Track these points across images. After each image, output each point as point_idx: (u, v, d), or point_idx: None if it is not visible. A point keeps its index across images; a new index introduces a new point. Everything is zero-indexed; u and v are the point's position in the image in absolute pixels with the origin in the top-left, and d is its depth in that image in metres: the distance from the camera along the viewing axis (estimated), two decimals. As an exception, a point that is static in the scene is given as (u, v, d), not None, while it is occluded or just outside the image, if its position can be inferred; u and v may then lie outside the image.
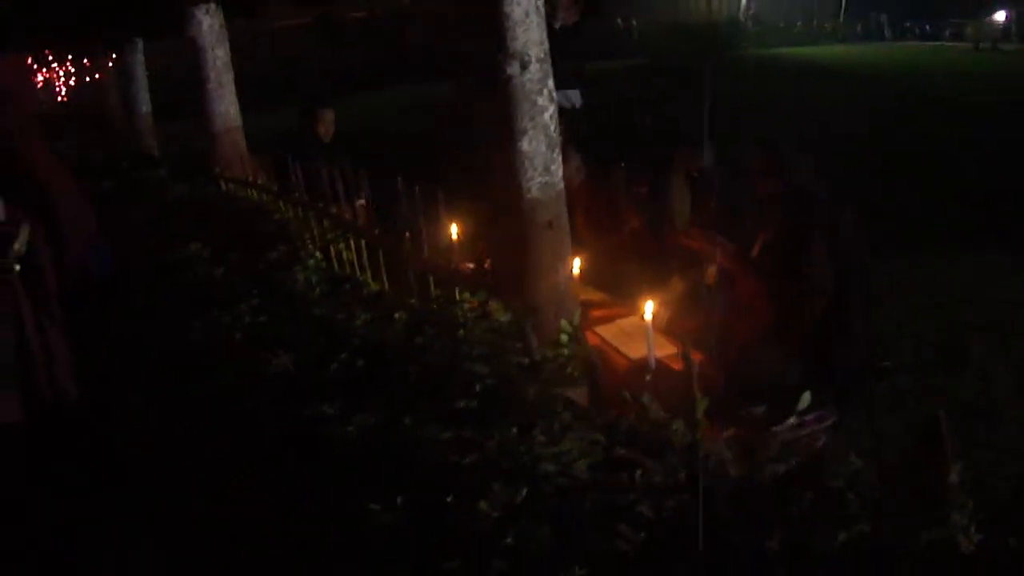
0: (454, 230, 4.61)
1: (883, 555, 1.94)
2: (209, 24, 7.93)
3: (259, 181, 6.76)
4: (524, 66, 3.45)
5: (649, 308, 3.83)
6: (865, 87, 21.55)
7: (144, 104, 11.16)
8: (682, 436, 2.52)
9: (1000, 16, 41.54)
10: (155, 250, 5.46)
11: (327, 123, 8.11)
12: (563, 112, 5.38)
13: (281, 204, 6.23)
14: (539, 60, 3.50)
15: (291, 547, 2.39)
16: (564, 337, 3.23)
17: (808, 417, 4.30)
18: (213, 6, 7.86)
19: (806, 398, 3.27)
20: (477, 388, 2.87)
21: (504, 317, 3.40)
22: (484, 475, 2.26)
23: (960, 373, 5.75)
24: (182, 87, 8.32)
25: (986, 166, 11.56)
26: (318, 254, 5.07)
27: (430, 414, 2.68)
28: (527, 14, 3.43)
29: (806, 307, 4.86)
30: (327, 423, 2.77)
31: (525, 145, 3.52)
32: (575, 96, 9.07)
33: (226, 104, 8.11)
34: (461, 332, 3.33)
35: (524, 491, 2.17)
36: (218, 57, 8.02)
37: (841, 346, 4.90)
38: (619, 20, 37.12)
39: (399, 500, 2.22)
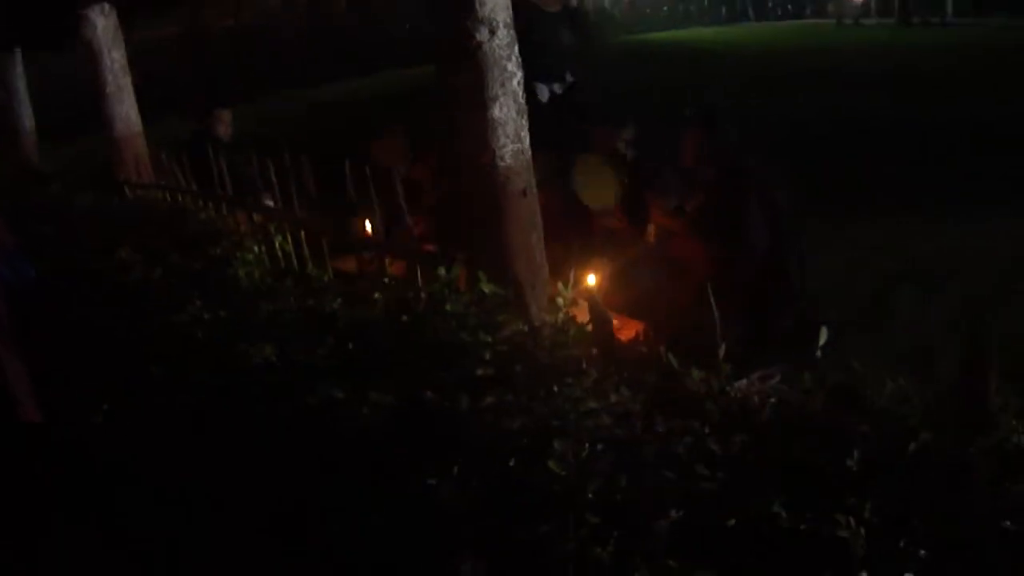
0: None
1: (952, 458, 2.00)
2: (104, 26, 7.61)
3: (174, 182, 6.51)
4: (492, 31, 3.37)
5: (592, 279, 3.74)
6: (735, 65, 21.97)
7: (27, 120, 10.61)
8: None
9: (859, -8, 43.11)
10: (79, 260, 5.21)
11: (226, 123, 7.97)
12: None
13: (202, 203, 6.01)
14: (506, 25, 3.42)
15: (360, 545, 2.24)
16: (560, 300, 3.13)
17: (754, 375, 4.37)
18: (107, 6, 7.54)
19: (824, 333, 3.29)
20: (487, 356, 2.76)
21: (488, 288, 3.29)
22: (539, 435, 2.16)
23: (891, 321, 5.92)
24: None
25: (864, 135, 11.88)
26: (256, 248, 4.89)
27: (450, 385, 2.56)
28: (494, -21, 3.34)
29: (744, 266, 4.92)
30: (338, 408, 2.62)
31: (496, 112, 3.44)
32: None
33: (126, 108, 7.80)
34: (448, 307, 3.22)
35: (587, 446, 2.08)
36: (115, 60, 7.70)
37: (778, 304, 5.01)
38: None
39: (456, 471, 2.10)
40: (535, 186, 3.66)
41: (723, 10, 43.71)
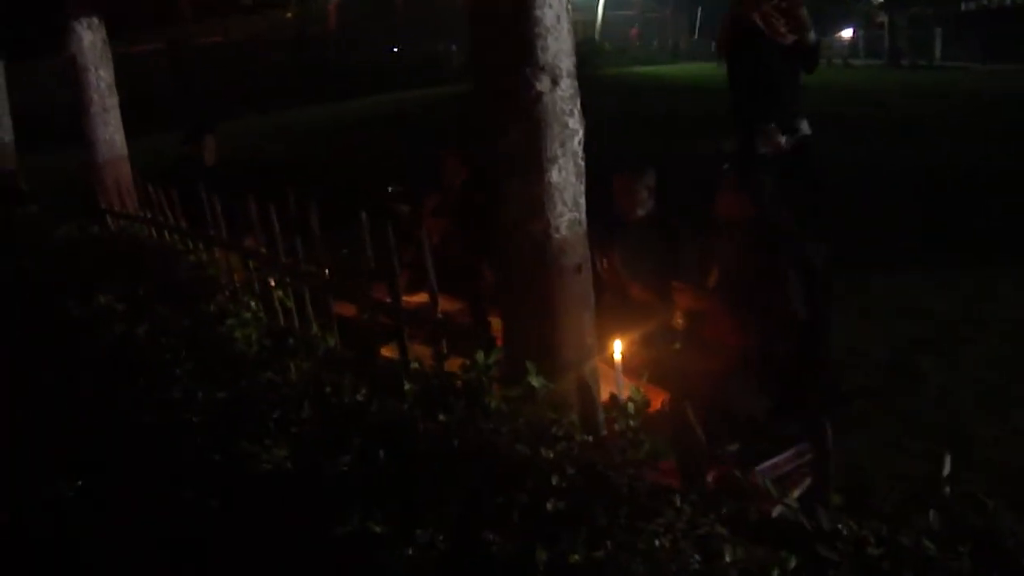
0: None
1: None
2: (91, 41, 7.06)
3: (162, 216, 5.99)
4: (555, 81, 2.88)
5: (618, 347, 3.53)
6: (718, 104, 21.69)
7: (6, 132, 10.04)
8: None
9: (847, 33, 43.06)
10: (55, 304, 4.68)
11: (211, 149, 7.56)
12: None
13: (192, 243, 5.50)
14: (569, 75, 2.93)
15: None
16: (631, 406, 2.63)
17: (787, 453, 4.07)
18: (96, 21, 7.01)
19: (947, 463, 2.84)
20: (554, 481, 2.27)
21: (538, 382, 2.79)
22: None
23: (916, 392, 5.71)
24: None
25: (863, 182, 11.70)
26: (254, 304, 4.39)
27: (518, 527, 2.07)
28: (558, 18, 2.85)
29: (781, 340, 4.63)
30: (375, 546, 2.12)
31: (555, 175, 2.94)
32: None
33: (111, 131, 7.25)
34: (492, 403, 2.73)
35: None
36: (102, 78, 7.16)
37: (812, 377, 4.79)
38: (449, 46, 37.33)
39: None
40: (590, 260, 3.17)
41: (712, 46, 43.75)
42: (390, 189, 7.22)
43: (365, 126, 21.73)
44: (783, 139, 6.72)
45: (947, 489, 2.26)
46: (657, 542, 1.94)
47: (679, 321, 5.05)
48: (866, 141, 15.44)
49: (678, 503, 2.12)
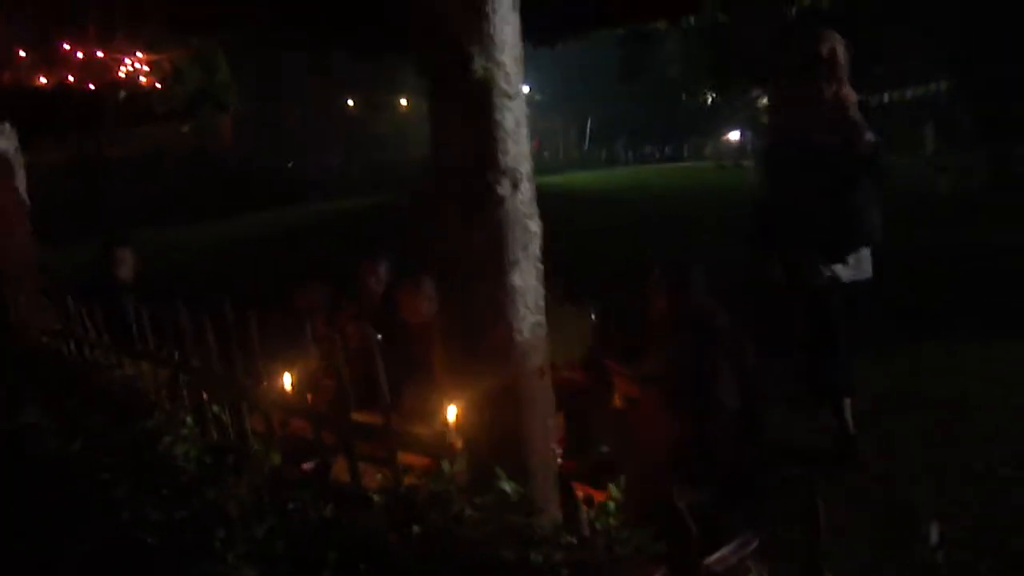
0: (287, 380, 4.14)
1: None
2: (4, 148, 6.83)
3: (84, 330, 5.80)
4: (515, 185, 2.90)
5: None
6: (625, 209, 22.19)
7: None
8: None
9: (735, 135, 44.30)
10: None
11: (127, 263, 7.35)
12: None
13: (118, 358, 5.34)
14: (529, 178, 2.95)
15: None
16: (611, 504, 2.60)
17: (733, 545, 4.07)
18: (8, 128, 6.80)
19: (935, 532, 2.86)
20: (550, 584, 2.23)
21: (508, 487, 2.75)
22: None
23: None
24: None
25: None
26: (189, 419, 4.26)
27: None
28: (517, 123, 2.89)
29: (715, 429, 4.76)
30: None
31: (517, 279, 2.95)
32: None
33: (17, 239, 6.97)
34: (466, 511, 2.67)
35: None
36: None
37: (750, 465, 4.90)
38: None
39: None
40: (550, 364, 3.16)
41: (603, 154, 44.77)
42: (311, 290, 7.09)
43: (269, 240, 21.63)
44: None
45: (940, 558, 2.27)
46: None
47: (618, 402, 5.08)
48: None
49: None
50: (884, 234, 5.52)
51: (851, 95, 5.50)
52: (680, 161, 42.24)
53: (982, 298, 10.44)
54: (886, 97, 36.09)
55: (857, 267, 5.60)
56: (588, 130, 46.21)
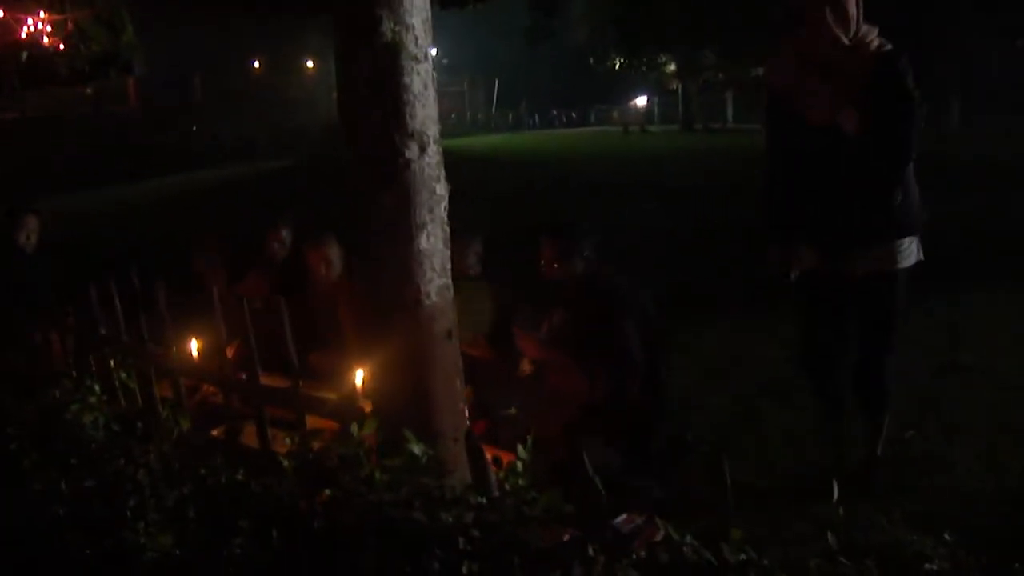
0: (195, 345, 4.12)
1: None
2: None
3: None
4: (423, 148, 2.91)
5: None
6: (535, 172, 22.25)
7: None
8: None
9: (642, 101, 44.61)
10: None
11: (31, 230, 7.13)
12: None
13: (21, 327, 5.24)
14: (436, 141, 2.96)
15: None
16: (519, 465, 2.64)
17: (642, 504, 4.11)
18: None
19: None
20: (462, 544, 2.25)
21: (418, 449, 2.77)
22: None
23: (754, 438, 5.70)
24: None
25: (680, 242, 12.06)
26: (97, 387, 4.21)
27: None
28: (425, 86, 2.89)
29: (624, 388, 4.74)
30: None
31: (424, 242, 2.96)
32: None
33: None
34: (376, 474, 2.68)
35: None
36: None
37: (656, 425, 4.89)
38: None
39: None
40: (457, 326, 3.18)
41: (510, 117, 44.73)
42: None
43: (174, 206, 21.26)
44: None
45: (840, 512, 2.36)
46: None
47: (526, 367, 5.09)
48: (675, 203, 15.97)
49: (590, 552, 2.13)
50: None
51: (871, 32, 4.26)
52: (587, 126, 42.29)
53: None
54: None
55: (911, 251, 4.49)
56: (495, 94, 46.06)
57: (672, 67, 40.75)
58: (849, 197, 4.29)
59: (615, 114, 43.49)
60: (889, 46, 4.24)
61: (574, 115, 44.80)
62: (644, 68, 41.25)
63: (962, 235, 11.54)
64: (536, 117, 44.45)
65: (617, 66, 41.93)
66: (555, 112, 45.00)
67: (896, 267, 4.42)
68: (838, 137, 4.20)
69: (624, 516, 3.66)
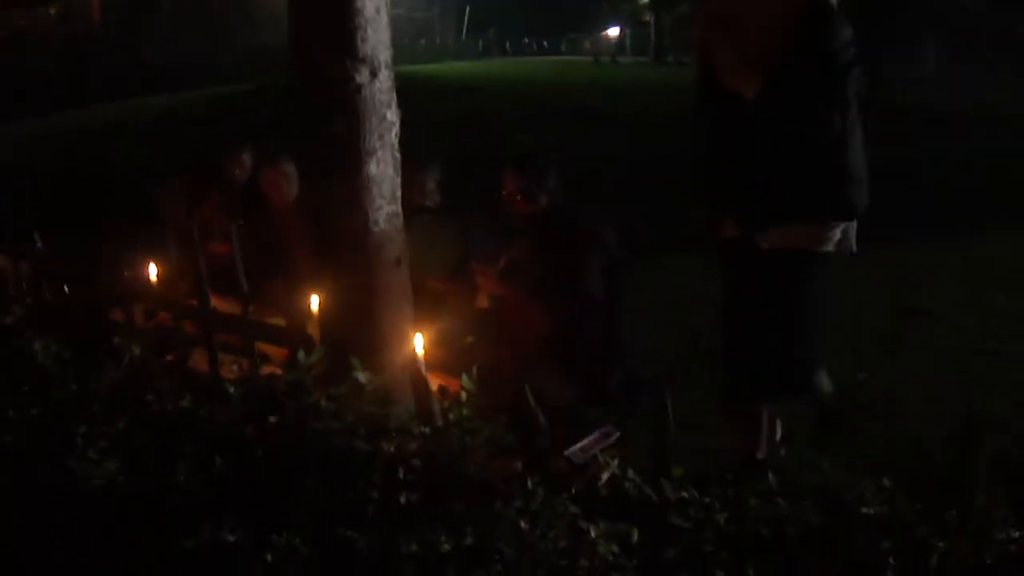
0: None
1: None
2: None
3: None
4: (374, 73, 2.87)
5: (419, 342, 3.18)
6: (501, 100, 22.10)
7: None
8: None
9: (614, 31, 44.35)
10: None
11: None
12: None
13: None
14: (387, 66, 2.92)
15: None
16: (463, 395, 2.63)
17: (593, 436, 4.14)
18: None
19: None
20: (402, 474, 2.25)
21: (365, 377, 2.76)
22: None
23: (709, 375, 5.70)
24: None
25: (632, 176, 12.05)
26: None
27: (375, 523, 2.04)
28: (377, 10, 2.85)
29: (583, 324, 4.67)
30: (229, 555, 2.04)
31: (373, 168, 2.93)
32: None
33: None
34: (322, 402, 2.67)
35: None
36: None
37: (613, 361, 4.80)
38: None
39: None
40: (407, 253, 3.16)
41: (480, 44, 44.35)
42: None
43: (138, 128, 20.99)
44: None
45: (782, 452, 2.38)
46: (522, 524, 1.94)
47: (483, 302, 5.07)
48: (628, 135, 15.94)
49: (530, 485, 2.14)
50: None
51: None
52: (557, 55, 42.00)
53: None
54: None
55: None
56: (466, 20, 45.58)
57: (645, -1, 40.58)
58: (765, 167, 3.68)
59: (586, 44, 43.18)
60: None
61: (545, 43, 44.41)
62: (615, -1, 41.15)
63: (922, 184, 11.61)
64: (507, 44, 44.02)
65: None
66: (526, 40, 44.60)
67: (815, 249, 3.80)
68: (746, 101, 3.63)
69: (578, 446, 3.68)
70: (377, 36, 2.84)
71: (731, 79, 3.64)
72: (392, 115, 2.95)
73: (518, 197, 4.95)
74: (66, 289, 4.35)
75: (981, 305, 7.05)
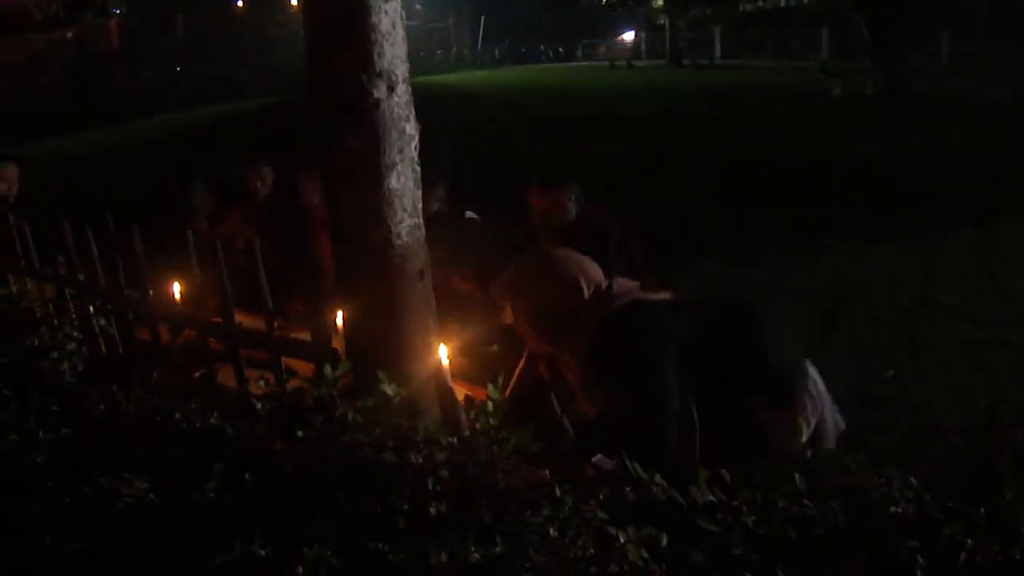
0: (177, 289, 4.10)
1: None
2: None
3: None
4: (391, 87, 2.88)
5: (444, 352, 3.14)
6: (529, 107, 22.15)
7: None
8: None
9: (629, 36, 44.38)
10: None
11: (10, 180, 7.01)
12: None
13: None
14: (405, 80, 2.94)
15: None
16: (490, 404, 2.65)
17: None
18: None
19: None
20: (430, 485, 2.27)
21: (392, 390, 2.78)
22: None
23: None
24: None
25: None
26: (77, 334, 4.21)
27: (405, 534, 2.06)
28: (393, 25, 2.86)
29: None
30: (266, 573, 2.06)
31: (394, 182, 2.95)
32: None
33: None
34: (349, 415, 2.70)
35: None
36: None
37: None
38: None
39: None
40: (430, 266, 3.18)
41: (496, 53, 44.44)
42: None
43: (157, 146, 21.13)
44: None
45: (808, 453, 2.38)
46: (551, 532, 1.96)
47: (508, 318, 5.06)
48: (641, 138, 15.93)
49: (558, 493, 2.15)
50: None
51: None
52: (573, 61, 42.04)
53: (859, 204, 10.70)
54: (782, 1, 36.41)
55: None
56: (481, 30, 45.67)
57: (660, 2, 40.49)
58: None
59: (602, 49, 43.18)
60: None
61: (561, 50, 44.45)
62: (631, 3, 41.02)
63: (938, 174, 11.57)
64: (523, 52, 44.09)
65: (604, 1, 41.66)
66: (542, 47, 44.64)
67: None
68: None
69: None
70: (394, 51, 2.86)
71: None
72: (411, 128, 2.97)
73: (547, 212, 4.96)
74: (91, 310, 4.39)
75: (1002, 297, 7.02)
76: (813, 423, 3.26)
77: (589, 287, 3.26)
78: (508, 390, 3.65)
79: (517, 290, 3.48)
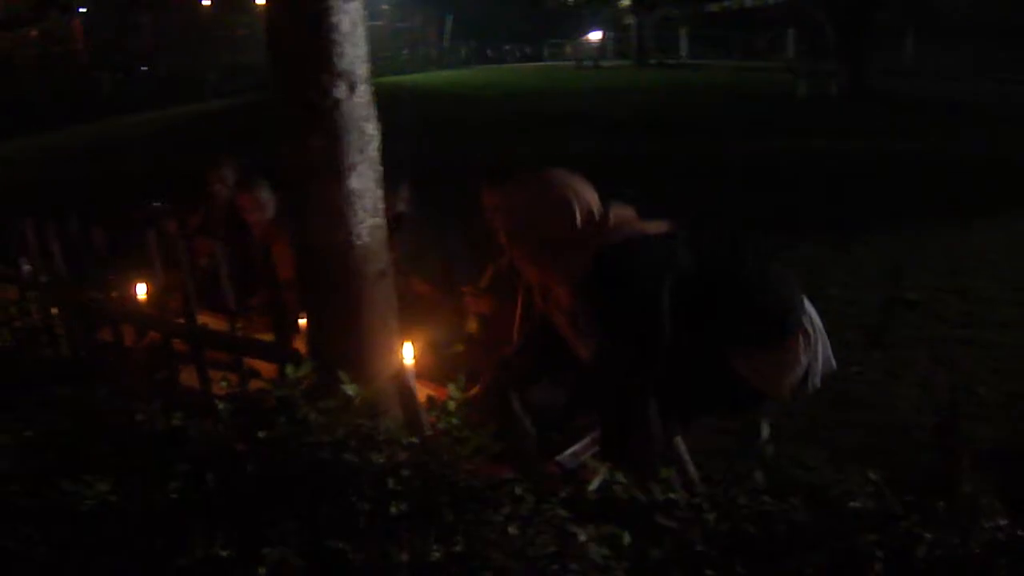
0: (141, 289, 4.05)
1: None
2: None
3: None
4: (352, 87, 2.88)
5: (409, 351, 3.19)
6: (495, 107, 22.15)
7: None
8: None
9: (596, 36, 44.42)
10: None
11: None
12: None
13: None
14: (365, 80, 2.93)
15: None
16: (451, 404, 2.65)
17: (585, 441, 4.13)
18: None
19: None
20: (391, 485, 2.27)
21: (353, 390, 2.77)
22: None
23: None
24: None
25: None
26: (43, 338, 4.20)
27: (366, 533, 2.06)
28: (354, 25, 2.86)
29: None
30: (228, 574, 2.05)
31: (354, 182, 2.94)
32: None
33: None
34: (312, 416, 2.69)
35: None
36: None
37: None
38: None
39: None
40: (392, 266, 3.18)
41: (462, 53, 44.41)
42: (155, 204, 6.99)
43: (123, 146, 20.98)
44: None
45: (769, 451, 2.40)
46: (512, 530, 1.96)
47: (473, 326, 5.04)
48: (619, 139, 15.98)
49: (518, 492, 2.15)
50: None
51: None
52: (540, 61, 42.07)
53: (824, 203, 10.78)
54: (748, 1, 36.57)
55: None
56: (447, 29, 45.63)
57: (626, 1, 40.56)
58: None
59: (568, 49, 43.20)
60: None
61: (527, 50, 44.46)
62: (597, 3, 41.07)
63: (902, 173, 11.67)
64: (488, 52, 44.07)
65: (571, 1, 41.70)
66: (508, 47, 44.64)
67: None
68: None
69: (569, 451, 3.67)
70: (354, 51, 2.86)
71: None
72: (372, 128, 2.97)
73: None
74: (55, 311, 4.36)
75: (967, 294, 7.09)
76: (805, 362, 3.28)
77: (582, 213, 3.24)
78: (474, 392, 3.64)
79: (509, 211, 3.46)
